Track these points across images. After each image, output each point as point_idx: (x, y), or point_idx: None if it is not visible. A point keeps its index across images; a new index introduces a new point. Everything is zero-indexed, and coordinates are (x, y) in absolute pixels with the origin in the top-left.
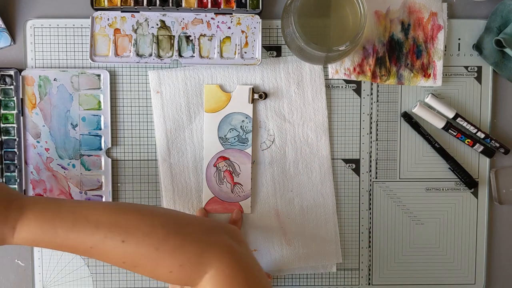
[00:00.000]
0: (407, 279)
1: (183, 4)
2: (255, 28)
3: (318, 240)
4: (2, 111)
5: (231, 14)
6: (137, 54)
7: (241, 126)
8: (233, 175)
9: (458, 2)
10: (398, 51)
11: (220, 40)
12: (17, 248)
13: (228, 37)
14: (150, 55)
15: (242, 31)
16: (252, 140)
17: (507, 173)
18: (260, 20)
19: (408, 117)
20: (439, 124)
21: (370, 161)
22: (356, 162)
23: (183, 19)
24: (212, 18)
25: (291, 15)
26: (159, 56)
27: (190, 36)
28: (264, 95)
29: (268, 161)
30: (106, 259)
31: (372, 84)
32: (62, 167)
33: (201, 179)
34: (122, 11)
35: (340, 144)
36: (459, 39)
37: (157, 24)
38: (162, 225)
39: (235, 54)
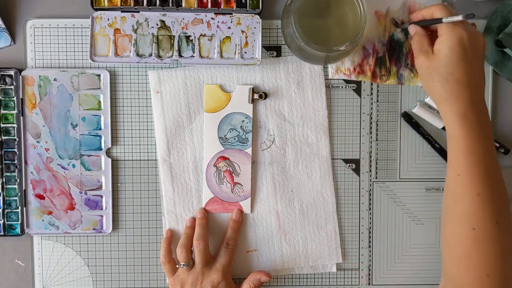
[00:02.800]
0: (407, 279)
1: (183, 4)
2: (255, 28)
3: (318, 240)
4: (2, 111)
5: (231, 14)
6: (137, 54)
7: (241, 126)
8: (233, 175)
9: (458, 2)
10: (398, 51)
11: (220, 40)
12: (17, 248)
13: (228, 37)
14: (150, 55)
15: (242, 31)
16: (252, 140)
17: (507, 173)
18: (260, 20)
19: (408, 117)
20: (439, 124)
21: (370, 161)
22: (356, 162)
23: (183, 19)
24: (212, 18)
25: (291, 15)
26: (159, 56)
27: (190, 36)
28: (264, 95)
29: (268, 161)
30: (471, 217)
31: (372, 84)
32: (62, 167)
33: (201, 179)
34: (122, 11)
35: (340, 144)
36: None
37: (157, 24)
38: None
39: (235, 54)
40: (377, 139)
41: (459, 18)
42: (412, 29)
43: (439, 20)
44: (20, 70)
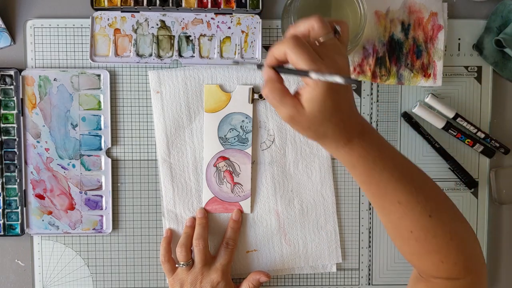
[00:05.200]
0: (407, 279)
1: (183, 4)
2: (255, 28)
3: (318, 240)
4: (2, 111)
5: (231, 14)
6: (137, 54)
7: (241, 126)
8: (233, 175)
9: (458, 2)
10: (398, 51)
11: (220, 40)
12: (17, 248)
13: (228, 37)
14: (150, 55)
15: (242, 31)
16: (252, 140)
17: (507, 173)
18: (260, 20)
19: (408, 117)
20: (439, 124)
21: None
22: None
23: (183, 19)
24: (212, 18)
25: (291, 15)
26: (159, 56)
27: (190, 36)
28: None
29: (268, 161)
30: (402, 221)
31: (372, 84)
32: (62, 167)
33: (201, 179)
34: (122, 11)
35: None
36: (459, 39)
37: (157, 24)
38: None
39: (235, 54)
40: None
41: (337, 80)
42: (266, 74)
43: (305, 73)
44: (20, 70)
